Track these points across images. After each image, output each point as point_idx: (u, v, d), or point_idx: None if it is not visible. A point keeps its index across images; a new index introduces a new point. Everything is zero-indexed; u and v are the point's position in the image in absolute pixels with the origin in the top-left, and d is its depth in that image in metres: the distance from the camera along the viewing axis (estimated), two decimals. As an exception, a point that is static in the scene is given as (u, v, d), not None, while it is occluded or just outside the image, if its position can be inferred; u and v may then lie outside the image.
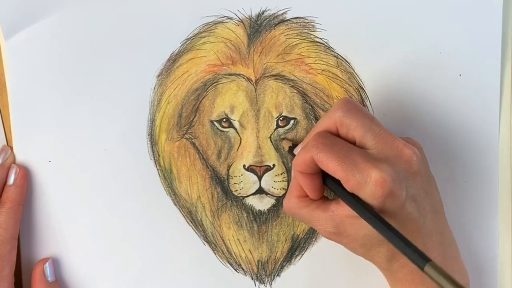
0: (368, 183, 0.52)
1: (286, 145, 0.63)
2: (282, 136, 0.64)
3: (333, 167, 0.54)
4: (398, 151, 0.55)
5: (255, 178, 0.64)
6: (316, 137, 0.56)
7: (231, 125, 0.64)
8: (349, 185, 0.54)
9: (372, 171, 0.52)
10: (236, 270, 0.65)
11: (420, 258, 0.49)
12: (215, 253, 0.65)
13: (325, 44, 0.63)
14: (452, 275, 0.52)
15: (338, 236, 0.57)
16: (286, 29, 0.63)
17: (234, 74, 0.64)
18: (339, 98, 0.63)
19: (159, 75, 0.64)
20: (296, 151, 0.59)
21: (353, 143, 0.56)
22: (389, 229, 0.51)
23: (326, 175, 0.57)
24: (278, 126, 0.64)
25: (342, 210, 0.55)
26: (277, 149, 0.64)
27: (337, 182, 0.55)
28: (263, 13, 0.63)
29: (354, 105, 0.56)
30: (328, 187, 0.57)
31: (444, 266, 0.50)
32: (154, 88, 0.64)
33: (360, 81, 0.64)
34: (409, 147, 0.55)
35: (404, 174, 0.54)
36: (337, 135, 0.57)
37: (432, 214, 0.57)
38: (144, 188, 0.64)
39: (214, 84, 0.64)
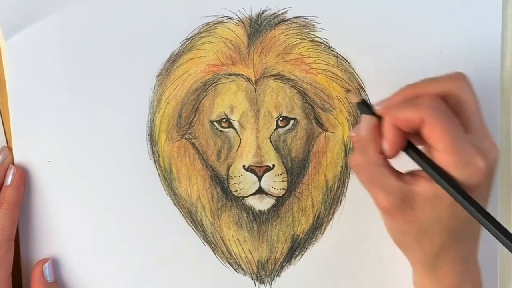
0: (470, 165, 0.51)
1: (354, 98, 0.57)
2: (345, 88, 0.62)
3: (442, 136, 0.51)
4: (491, 147, 0.53)
5: (255, 178, 0.64)
6: (433, 101, 0.52)
7: (230, 125, 0.64)
8: (448, 159, 0.51)
9: (477, 158, 0.51)
10: (236, 270, 0.65)
11: None
12: (215, 253, 0.65)
13: (325, 43, 0.64)
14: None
15: (398, 211, 0.53)
16: (286, 28, 0.63)
17: (234, 74, 0.64)
18: (346, 99, 0.63)
19: (158, 75, 0.64)
20: (379, 105, 0.55)
21: None
22: (487, 214, 0.50)
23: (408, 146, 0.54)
24: (277, 126, 0.64)
25: (418, 185, 0.53)
26: (276, 149, 0.64)
27: (420, 154, 0.53)
28: (263, 12, 0.63)
29: (470, 83, 0.55)
30: (410, 156, 0.54)
31: None
32: (154, 88, 0.64)
33: (360, 81, 0.64)
34: (497, 147, 0.54)
35: (493, 172, 0.54)
36: None
37: None
38: (144, 188, 0.64)
39: (214, 84, 0.64)
